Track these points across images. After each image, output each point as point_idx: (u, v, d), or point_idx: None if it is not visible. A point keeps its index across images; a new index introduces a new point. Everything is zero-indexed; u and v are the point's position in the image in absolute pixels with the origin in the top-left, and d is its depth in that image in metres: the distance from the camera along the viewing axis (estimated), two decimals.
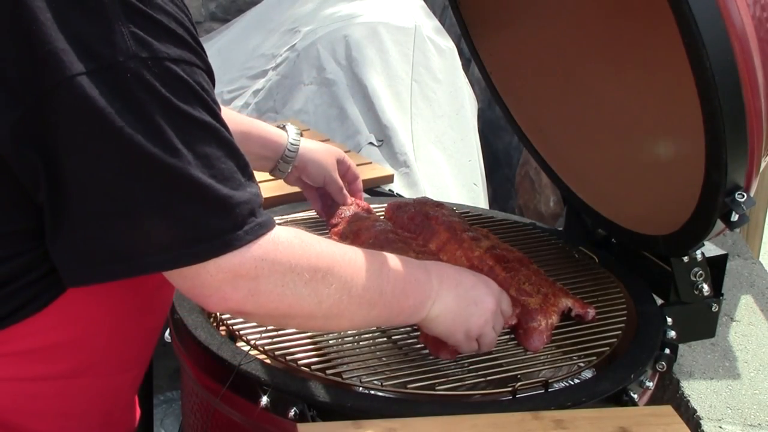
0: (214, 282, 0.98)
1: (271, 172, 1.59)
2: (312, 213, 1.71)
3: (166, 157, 0.91)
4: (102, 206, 0.92)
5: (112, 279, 0.96)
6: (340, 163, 1.64)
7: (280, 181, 1.99)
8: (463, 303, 1.20)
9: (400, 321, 1.19)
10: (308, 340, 1.28)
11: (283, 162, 1.57)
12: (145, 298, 1.10)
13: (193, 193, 0.93)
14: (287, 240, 1.02)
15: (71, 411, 1.10)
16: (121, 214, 0.92)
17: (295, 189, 1.91)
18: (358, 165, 2.19)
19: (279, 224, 1.03)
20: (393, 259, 1.16)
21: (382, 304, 1.13)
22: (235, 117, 1.51)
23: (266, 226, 1.00)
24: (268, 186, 1.99)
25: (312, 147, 1.60)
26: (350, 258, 1.10)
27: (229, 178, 0.96)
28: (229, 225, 0.96)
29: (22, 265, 0.98)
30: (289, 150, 1.55)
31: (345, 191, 1.63)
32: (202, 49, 0.99)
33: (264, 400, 1.15)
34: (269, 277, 1.01)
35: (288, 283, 1.02)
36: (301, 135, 1.62)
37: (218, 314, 1.32)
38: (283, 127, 1.60)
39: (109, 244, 0.93)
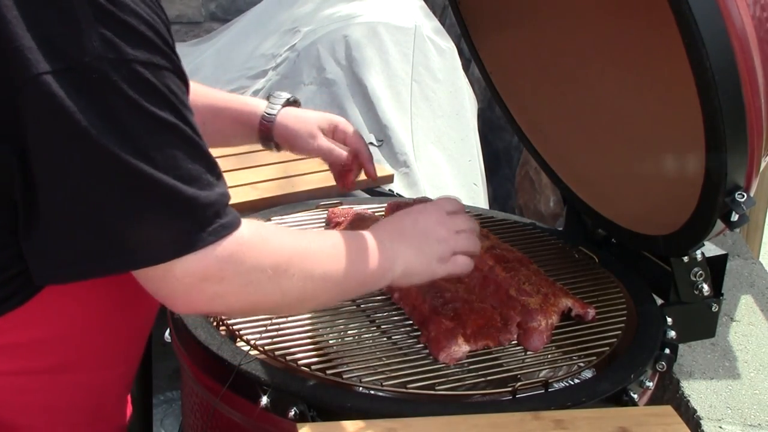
0: (181, 286, 0.98)
1: (262, 142, 1.54)
2: (312, 213, 1.71)
3: (131, 158, 0.91)
4: (67, 206, 0.92)
5: (76, 279, 0.96)
6: (335, 130, 1.57)
7: (280, 181, 1.99)
8: (416, 244, 1.21)
9: (368, 289, 1.24)
10: (308, 340, 1.28)
11: (262, 138, 1.52)
12: (128, 296, 1.10)
13: (157, 194, 0.93)
14: (249, 239, 1.03)
15: (56, 406, 1.10)
16: (85, 214, 0.92)
17: (296, 189, 1.92)
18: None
19: (252, 219, 1.05)
20: (346, 236, 1.17)
21: (346, 282, 1.14)
22: (209, 93, 1.48)
23: (230, 227, 1.00)
24: (268, 186, 1.99)
25: (294, 115, 1.53)
26: (307, 246, 1.11)
27: (195, 179, 0.96)
28: (193, 226, 0.96)
29: (1, 260, 0.99)
30: (264, 122, 1.50)
31: (337, 152, 1.54)
32: (174, 52, 0.98)
33: (264, 400, 1.15)
34: (234, 278, 1.01)
35: (252, 282, 1.03)
36: (294, 103, 1.54)
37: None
38: (268, 97, 1.56)
39: (73, 243, 0.93)
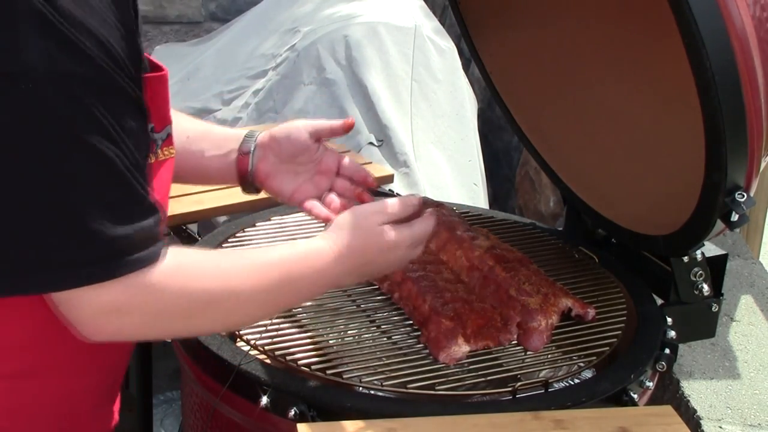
0: (87, 313, 0.96)
1: (240, 167, 1.35)
2: None
3: (43, 180, 0.89)
4: None
5: None
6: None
7: None
8: (365, 277, 1.25)
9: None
10: (308, 340, 1.28)
11: (245, 143, 1.36)
12: None
13: (68, 219, 0.91)
14: (166, 277, 0.99)
15: (20, 410, 1.08)
16: None
17: None
18: None
19: (188, 247, 1.03)
20: (293, 274, 1.11)
21: (268, 316, 1.21)
22: (199, 120, 1.42)
23: (144, 262, 0.96)
24: None
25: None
26: (233, 289, 1.05)
27: (112, 208, 0.93)
28: (101, 256, 0.93)
29: None
30: (248, 134, 1.38)
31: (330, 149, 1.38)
32: (124, 70, 0.94)
33: (264, 400, 1.15)
34: (142, 314, 0.99)
35: (161, 319, 1.01)
36: None
37: None
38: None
39: None
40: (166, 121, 1.10)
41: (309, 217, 1.69)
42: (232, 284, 1.06)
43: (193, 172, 1.37)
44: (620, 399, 1.21)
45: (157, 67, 1.08)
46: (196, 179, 1.43)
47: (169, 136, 1.11)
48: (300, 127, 1.34)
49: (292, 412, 1.12)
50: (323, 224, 1.64)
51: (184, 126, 1.34)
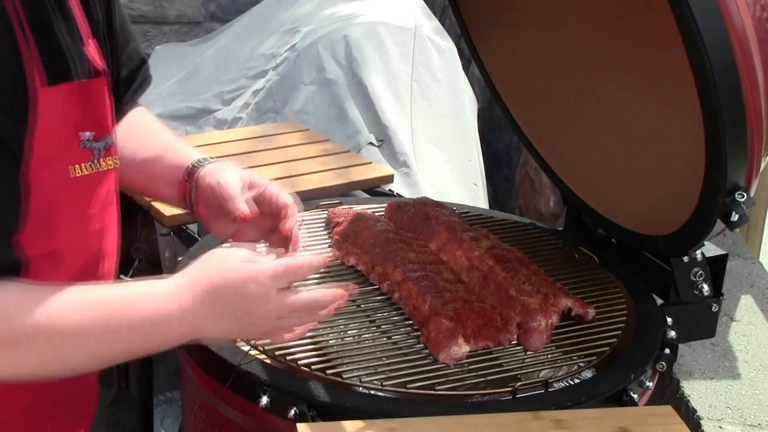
0: None
1: (182, 189, 1.29)
2: (312, 213, 1.71)
3: None
4: None
5: None
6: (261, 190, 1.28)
7: (281, 181, 1.99)
8: (236, 326, 1.06)
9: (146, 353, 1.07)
10: (308, 340, 1.28)
11: (188, 176, 1.28)
12: None
13: None
14: None
15: None
16: None
17: (297, 188, 1.91)
18: (357, 165, 2.20)
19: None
20: (113, 309, 1.00)
21: (96, 360, 1.02)
22: (163, 140, 1.35)
23: None
24: None
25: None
26: (49, 325, 0.96)
27: None
28: None
29: None
30: (199, 159, 1.29)
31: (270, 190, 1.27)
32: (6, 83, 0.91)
33: (264, 400, 1.15)
34: None
35: None
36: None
37: None
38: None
39: None
40: (106, 130, 1.06)
41: (309, 217, 1.69)
42: (44, 319, 0.96)
43: (152, 191, 1.34)
44: (620, 399, 1.21)
45: (97, 72, 1.04)
46: (157, 199, 1.42)
47: (111, 146, 1.07)
48: (233, 191, 1.23)
49: (292, 412, 1.12)
50: (326, 221, 1.65)
51: (149, 142, 1.31)
